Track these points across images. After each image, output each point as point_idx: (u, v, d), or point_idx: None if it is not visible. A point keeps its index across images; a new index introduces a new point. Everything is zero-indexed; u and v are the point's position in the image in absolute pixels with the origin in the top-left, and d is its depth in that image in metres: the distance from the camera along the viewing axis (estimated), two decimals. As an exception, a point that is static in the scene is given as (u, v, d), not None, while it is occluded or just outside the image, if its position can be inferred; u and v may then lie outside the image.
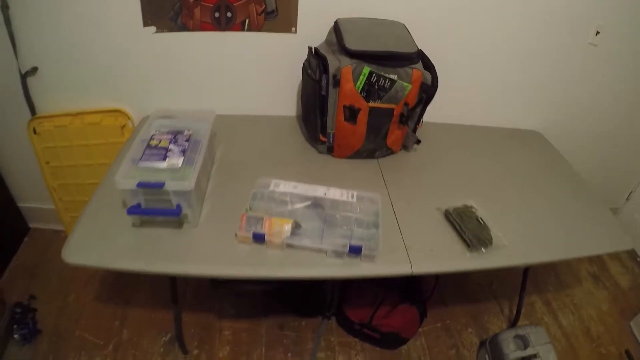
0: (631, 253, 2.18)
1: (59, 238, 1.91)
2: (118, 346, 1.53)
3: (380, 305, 1.53)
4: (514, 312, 1.74)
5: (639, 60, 1.69)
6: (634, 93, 1.80)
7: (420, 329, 1.66)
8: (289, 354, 1.55)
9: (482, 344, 1.62)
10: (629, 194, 2.22)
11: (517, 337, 1.49)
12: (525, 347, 1.46)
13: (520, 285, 1.64)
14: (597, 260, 2.12)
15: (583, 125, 1.88)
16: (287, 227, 1.06)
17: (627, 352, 1.69)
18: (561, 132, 1.84)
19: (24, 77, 1.46)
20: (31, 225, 1.98)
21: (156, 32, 1.40)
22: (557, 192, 1.44)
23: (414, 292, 1.58)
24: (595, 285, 1.99)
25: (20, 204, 1.90)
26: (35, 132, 1.55)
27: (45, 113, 1.55)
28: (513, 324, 1.73)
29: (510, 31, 1.55)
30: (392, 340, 1.58)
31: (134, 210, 1.04)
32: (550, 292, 1.92)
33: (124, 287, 1.73)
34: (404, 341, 1.60)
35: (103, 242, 1.04)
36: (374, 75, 1.22)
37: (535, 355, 1.43)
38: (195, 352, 1.53)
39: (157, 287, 1.72)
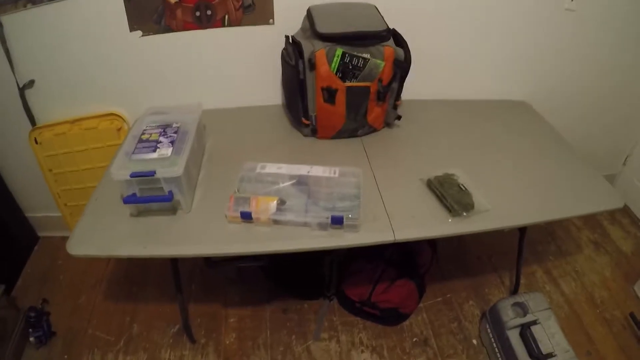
0: (632, 218, 2.18)
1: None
2: (129, 341, 1.59)
3: (378, 282, 1.56)
4: (514, 281, 1.76)
5: (617, 21, 1.69)
6: (618, 55, 1.80)
7: (421, 304, 1.69)
8: (293, 336, 1.59)
9: (483, 315, 1.64)
10: (625, 159, 2.22)
11: (516, 304, 1.50)
12: (525, 313, 1.47)
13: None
14: (597, 227, 2.12)
15: (571, 92, 1.89)
16: (273, 204, 1.11)
17: (631, 314, 1.68)
18: (550, 101, 1.84)
19: (22, 90, 1.53)
20: (40, 234, 2.06)
21: (142, 35, 1.47)
22: (543, 158, 1.45)
23: (411, 267, 1.61)
24: (596, 252, 1.99)
25: (29, 214, 1.97)
26: (36, 142, 1.62)
27: (44, 123, 1.62)
28: (513, 292, 1.75)
29: (485, 2, 1.57)
30: (392, 316, 1.61)
31: (129, 199, 1.10)
32: (551, 260, 1.93)
33: (131, 285, 1.80)
34: (404, 317, 1.63)
35: (104, 233, 1.11)
36: (347, 55, 1.26)
37: (534, 322, 1.44)
38: (203, 340, 1.58)
39: (163, 282, 1.78)
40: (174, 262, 1.42)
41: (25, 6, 1.36)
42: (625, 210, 2.20)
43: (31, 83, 1.53)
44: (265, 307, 1.69)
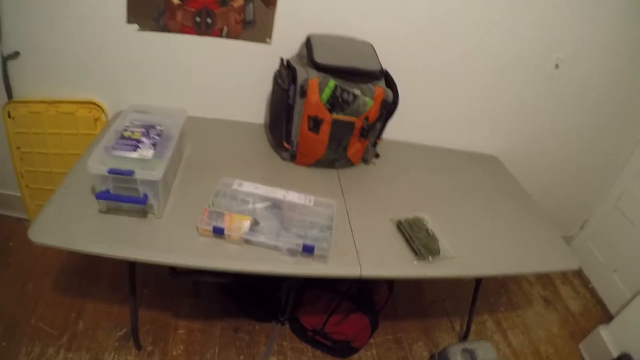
0: (584, 279, 2.29)
1: (21, 226, 1.90)
2: (73, 337, 1.52)
3: (333, 313, 1.57)
4: (465, 328, 1.80)
5: (594, 93, 1.82)
6: (589, 125, 1.93)
7: (371, 340, 1.70)
8: (242, 357, 1.56)
9: (432, 357, 1.67)
10: (584, 223, 2.34)
11: (465, 350, 1.53)
12: (473, 361, 1.51)
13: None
14: (549, 285, 2.22)
15: (540, 154, 2.00)
16: (246, 223, 1.11)
17: None
18: (519, 159, 1.95)
19: (4, 59, 1.48)
20: (-7, 211, 1.96)
21: (138, 30, 1.45)
22: (508, 213, 1.53)
23: (368, 302, 1.62)
24: (546, 308, 2.07)
25: (-16, 188, 1.88)
26: (9, 116, 1.56)
27: (21, 98, 1.57)
28: (463, 339, 1.79)
29: (474, 61, 1.66)
30: (343, 349, 1.61)
31: (102, 195, 1.08)
32: (502, 312, 2.00)
33: (82, 279, 1.73)
34: (354, 350, 1.64)
35: (69, 225, 1.08)
36: (338, 88, 1.29)
37: (481, 370, 1.49)
38: (149, 348, 1.53)
39: (116, 282, 1.72)
40: (132, 265, 1.38)
41: (26, -24, 1.32)
42: (578, 272, 2.31)
43: (16, 54, 1.48)
44: (216, 323, 1.66)
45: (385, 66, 1.39)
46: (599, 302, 2.17)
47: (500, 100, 1.79)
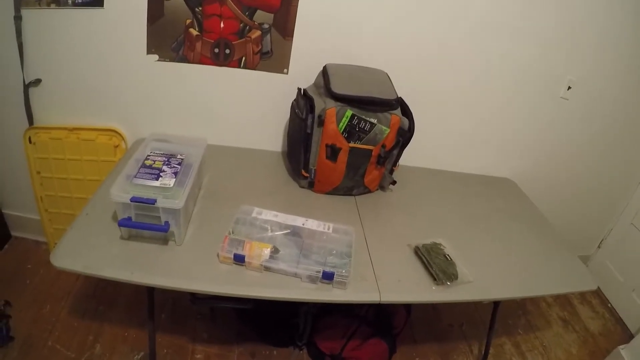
0: (602, 299, 2.26)
1: (39, 249, 1.92)
2: (89, 360, 1.53)
3: (352, 338, 1.56)
4: (483, 351, 1.78)
5: (604, 110, 1.83)
6: (602, 143, 1.94)
7: (389, 364, 1.69)
8: (259, 382, 1.57)
9: (450, 381, 1.66)
10: (600, 242, 2.33)
11: (483, 375, 1.53)
12: (491, 385, 1.50)
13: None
14: (567, 305, 2.19)
15: (554, 175, 2.00)
16: (266, 251, 1.12)
17: None
18: (534, 181, 1.95)
19: (26, 87, 1.53)
20: (13, 233, 1.99)
21: (158, 60, 1.50)
22: (524, 235, 1.53)
23: (385, 327, 1.62)
24: (565, 329, 2.05)
25: (5, 211, 1.92)
26: (30, 142, 1.61)
27: (42, 124, 1.61)
28: (481, 363, 1.77)
29: (486, 85, 1.68)
30: (361, 373, 1.60)
31: (124, 222, 1.10)
32: (520, 334, 1.97)
33: (99, 303, 1.74)
34: (373, 374, 1.63)
35: (91, 251, 1.10)
36: (355, 117, 1.32)
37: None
38: (167, 372, 1.54)
39: (133, 306, 1.74)
40: (151, 290, 1.39)
41: (49, 5, 1.38)
42: (596, 291, 2.28)
43: (37, 82, 1.53)
44: (233, 348, 1.66)
45: (399, 93, 1.42)
46: (619, 322, 2.14)
47: (513, 123, 1.80)
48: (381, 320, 1.61)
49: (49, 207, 1.78)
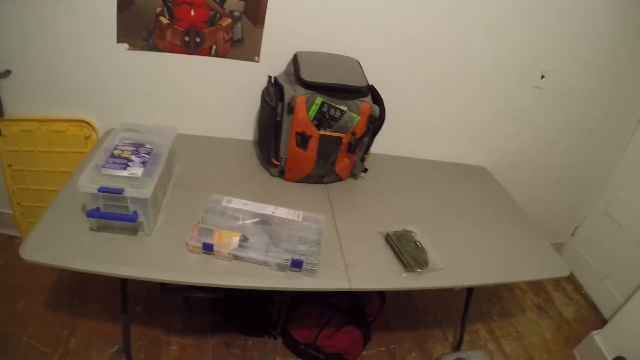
0: (576, 285, 2.31)
1: (12, 244, 1.89)
2: (65, 355, 1.51)
3: (325, 326, 1.58)
4: (458, 338, 1.81)
5: (579, 100, 1.86)
6: (576, 132, 1.97)
7: (364, 352, 1.70)
8: (235, 372, 1.57)
9: (425, 367, 1.68)
10: (574, 229, 2.37)
11: (458, 360, 1.56)
12: (466, 370, 1.52)
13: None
14: (542, 292, 2.23)
15: (529, 163, 2.03)
16: (235, 239, 1.12)
17: None
18: (508, 169, 1.97)
19: (-4, 78, 1.49)
20: (-17, 228, 1.95)
21: (128, 49, 1.47)
22: (497, 222, 1.55)
23: (359, 315, 1.63)
24: (539, 315, 2.09)
25: (-25, 206, 1.88)
26: (1, 134, 1.58)
27: (13, 116, 1.58)
28: (456, 348, 1.80)
29: (460, 73, 1.69)
30: (336, 361, 1.62)
31: (93, 213, 1.09)
32: (495, 321, 2.00)
33: (74, 297, 1.72)
34: (348, 362, 1.64)
35: (60, 243, 1.09)
36: (325, 105, 1.31)
37: (474, 378, 1.50)
38: (142, 365, 1.54)
39: (107, 299, 1.72)
40: (123, 282, 1.38)
41: (18, -6, 1.33)
42: (570, 278, 2.32)
43: (7, 73, 1.49)
44: (208, 338, 1.66)
45: (372, 81, 1.42)
46: (593, 307, 2.19)
47: (487, 111, 1.82)
48: (355, 308, 1.62)
49: (21, 201, 1.75)
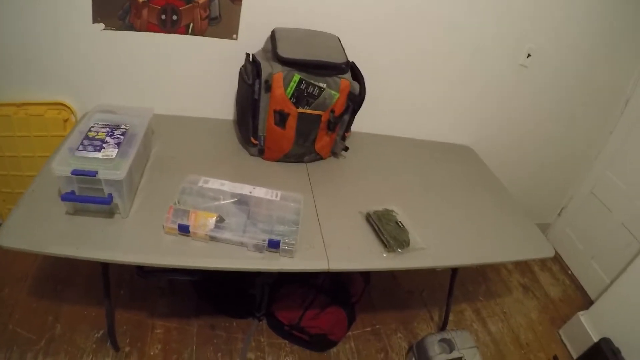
0: (563, 266, 2.32)
1: (-5, 231, 1.87)
2: (51, 341, 1.51)
3: (309, 307, 1.58)
4: (443, 318, 1.82)
5: (566, 80, 1.85)
6: (563, 112, 1.96)
7: (350, 333, 1.71)
8: (219, 354, 1.56)
9: (410, 348, 1.68)
10: (561, 210, 2.38)
11: (443, 340, 1.55)
12: (451, 350, 1.51)
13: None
14: (528, 272, 2.24)
15: (515, 143, 2.02)
16: (211, 220, 1.10)
17: (555, 357, 1.79)
18: (493, 149, 1.96)
19: (-30, 62, 1.45)
20: (-35, 217, 1.93)
21: (104, 29, 1.44)
22: (481, 202, 1.54)
23: (343, 295, 1.63)
24: (525, 295, 2.10)
25: (-45, 194, 1.85)
26: (-23, 120, 1.54)
27: (-11, 101, 1.54)
28: (441, 329, 1.81)
29: (445, 50, 1.67)
30: (321, 342, 1.62)
31: (67, 197, 1.07)
32: (481, 301, 2.02)
33: (58, 283, 1.71)
34: (332, 343, 1.65)
35: (37, 228, 1.07)
36: (303, 82, 1.29)
37: (460, 359, 1.49)
38: (127, 349, 1.53)
39: (91, 284, 1.71)
40: (105, 266, 1.37)
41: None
42: (556, 258, 2.34)
43: (-18, 57, 1.46)
44: (193, 321, 1.66)
45: (353, 58, 1.39)
46: (579, 288, 2.20)
47: (472, 90, 1.80)
48: (338, 289, 1.62)
49: (1, 187, 1.72)
